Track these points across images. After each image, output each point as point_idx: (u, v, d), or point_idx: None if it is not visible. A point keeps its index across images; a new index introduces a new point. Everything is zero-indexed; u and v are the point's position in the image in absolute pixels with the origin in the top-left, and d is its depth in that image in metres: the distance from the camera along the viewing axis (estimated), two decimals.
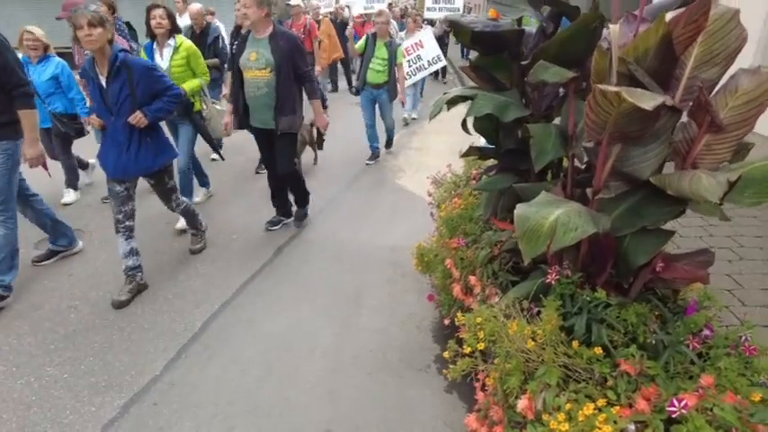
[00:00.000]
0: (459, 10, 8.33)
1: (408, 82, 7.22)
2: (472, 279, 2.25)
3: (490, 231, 2.42)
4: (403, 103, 6.06)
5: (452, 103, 2.18)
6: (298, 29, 7.38)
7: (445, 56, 11.29)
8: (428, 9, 8.82)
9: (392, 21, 9.38)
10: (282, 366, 2.65)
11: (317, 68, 7.59)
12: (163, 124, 3.67)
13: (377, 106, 5.99)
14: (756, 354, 1.59)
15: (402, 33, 8.16)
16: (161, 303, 3.20)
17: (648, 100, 1.26)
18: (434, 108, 2.18)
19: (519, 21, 2.26)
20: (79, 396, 2.43)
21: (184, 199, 3.70)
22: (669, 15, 1.51)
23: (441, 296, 2.71)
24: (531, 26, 2.30)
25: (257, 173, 5.59)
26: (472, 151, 2.53)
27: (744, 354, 1.59)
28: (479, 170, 3.12)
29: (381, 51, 5.67)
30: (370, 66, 5.68)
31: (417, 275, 3.25)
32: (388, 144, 6.55)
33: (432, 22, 10.28)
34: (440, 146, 6.66)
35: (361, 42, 5.86)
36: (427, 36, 7.47)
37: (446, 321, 2.53)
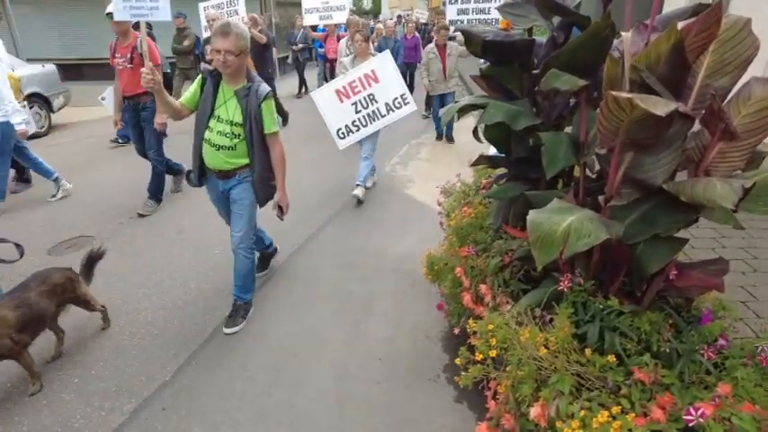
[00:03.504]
0: (495, 22, 5.82)
1: (355, 137, 4.90)
2: (483, 287, 2.24)
3: (501, 240, 2.42)
4: (281, 213, 3.07)
5: (463, 111, 2.20)
6: (123, 53, 4.53)
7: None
8: (451, 22, 6.24)
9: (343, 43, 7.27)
10: (290, 373, 2.64)
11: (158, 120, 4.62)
12: None
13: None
14: None
15: (346, 60, 5.20)
16: (171, 309, 3.22)
17: (662, 106, 1.27)
18: (446, 116, 2.20)
19: (529, 31, 2.28)
20: (89, 400, 2.44)
21: None
22: (680, 24, 1.52)
23: (450, 305, 2.70)
24: (542, 37, 2.32)
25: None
26: (482, 160, 2.54)
27: (760, 364, 1.56)
28: (489, 179, 3.13)
29: (229, 107, 2.74)
30: (206, 135, 2.80)
31: (426, 284, 3.24)
32: (238, 313, 3.07)
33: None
34: (448, 156, 6.69)
35: (190, 91, 2.85)
36: (384, 64, 4.79)
37: (456, 330, 2.52)
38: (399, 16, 20.42)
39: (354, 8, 46.15)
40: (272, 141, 2.86)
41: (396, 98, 4.90)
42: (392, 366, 2.69)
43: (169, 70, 5.55)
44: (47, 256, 3.95)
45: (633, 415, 1.35)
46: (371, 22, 10.77)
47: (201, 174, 2.98)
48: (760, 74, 1.65)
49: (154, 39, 6.83)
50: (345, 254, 4.00)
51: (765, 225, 3.79)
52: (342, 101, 4.87)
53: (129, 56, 4.57)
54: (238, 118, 2.75)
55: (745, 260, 3.35)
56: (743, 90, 1.60)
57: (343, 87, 4.86)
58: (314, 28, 9.81)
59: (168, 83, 5.53)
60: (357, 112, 4.88)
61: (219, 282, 3.56)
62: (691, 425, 1.26)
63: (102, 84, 9.96)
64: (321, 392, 2.51)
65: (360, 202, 4.97)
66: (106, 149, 7.06)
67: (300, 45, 10.67)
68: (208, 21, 6.88)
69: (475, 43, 2.13)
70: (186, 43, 8.72)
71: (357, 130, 4.94)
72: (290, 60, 11.31)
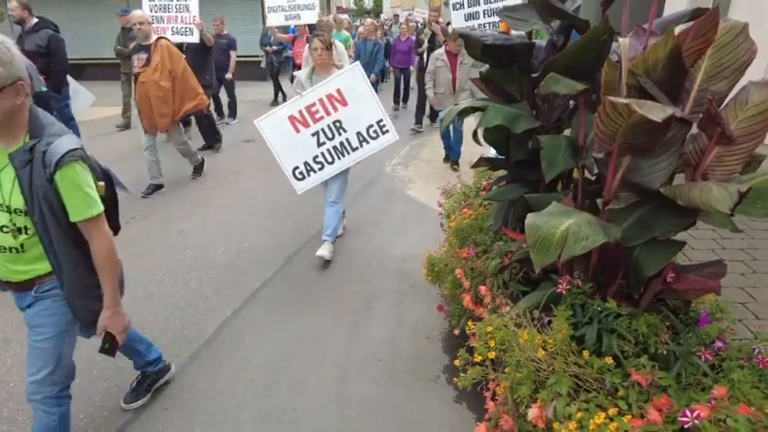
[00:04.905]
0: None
1: (318, 177, 3.81)
2: (482, 289, 2.26)
3: (500, 242, 2.44)
4: (113, 343, 1.91)
5: (463, 114, 2.21)
6: None
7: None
8: (454, 20, 5.16)
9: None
10: (291, 374, 2.66)
11: None
12: None
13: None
14: None
15: (302, 74, 3.89)
16: (173, 310, 3.24)
17: (658, 112, 1.28)
18: (445, 119, 2.22)
19: (529, 34, 2.30)
20: (92, 400, 2.46)
21: None
22: (678, 29, 1.54)
23: (450, 306, 2.72)
24: (542, 39, 2.33)
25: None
26: (482, 162, 2.56)
27: (757, 366, 1.57)
28: (489, 181, 3.14)
29: (4, 182, 1.65)
30: None
31: (426, 286, 3.26)
32: None
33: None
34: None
35: None
36: (354, 80, 3.67)
37: (456, 331, 2.53)
38: (396, 15, 19.72)
39: (356, 7, 45.98)
40: (88, 231, 1.74)
41: (371, 126, 3.72)
42: (392, 367, 2.71)
43: (45, 88, 4.05)
44: None
45: (630, 416, 1.36)
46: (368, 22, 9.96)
47: None
48: (757, 78, 1.66)
49: (59, 42, 5.28)
50: (345, 254, 4.02)
51: (765, 227, 3.80)
52: (298, 130, 3.69)
53: None
54: (19, 201, 1.65)
55: (745, 261, 3.36)
56: (740, 94, 1.61)
57: (299, 113, 3.65)
58: (286, 29, 8.47)
59: (43, 102, 4.01)
60: (320, 144, 3.71)
61: (221, 282, 3.58)
62: (686, 426, 1.28)
63: (104, 83, 9.99)
64: (321, 393, 2.53)
65: (327, 262, 3.80)
66: (108, 149, 6.97)
67: (274, 47, 9.33)
68: (133, 24, 5.01)
69: (474, 46, 2.14)
70: (132, 46, 7.77)
71: (321, 169, 3.77)
72: (263, 64, 9.97)
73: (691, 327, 1.76)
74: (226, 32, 7.90)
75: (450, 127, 5.89)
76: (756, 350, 1.62)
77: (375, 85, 7.58)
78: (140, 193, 5.19)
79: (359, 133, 3.73)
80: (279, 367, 2.71)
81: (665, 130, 1.49)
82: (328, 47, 3.73)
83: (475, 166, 2.60)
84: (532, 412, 1.50)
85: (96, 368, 2.69)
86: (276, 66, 9.68)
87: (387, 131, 3.78)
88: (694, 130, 1.68)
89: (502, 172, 2.71)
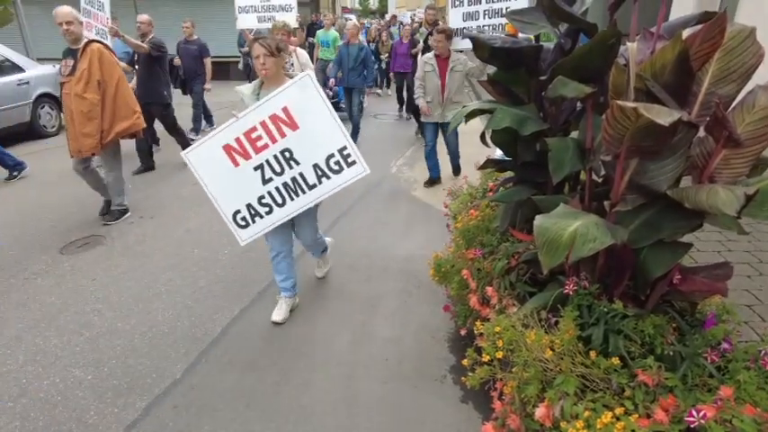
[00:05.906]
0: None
1: (266, 224, 2.93)
2: (489, 290, 2.28)
3: (507, 243, 2.45)
4: None
5: (471, 116, 2.23)
6: None
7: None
8: (457, 31, 4.81)
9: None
10: (298, 373, 2.69)
11: None
12: None
13: None
14: None
15: (246, 90, 2.90)
16: (181, 309, 3.27)
17: (665, 116, 1.30)
18: (454, 121, 2.24)
19: (537, 37, 2.31)
20: (103, 397, 2.50)
21: None
22: (686, 33, 1.55)
23: (456, 307, 2.74)
24: (549, 42, 2.35)
25: None
26: (489, 163, 2.58)
27: (763, 368, 1.59)
28: (496, 182, 3.16)
29: None
30: None
31: (432, 286, 3.28)
32: None
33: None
34: None
35: None
36: (305, 96, 2.69)
37: (462, 332, 2.56)
38: (394, 16, 18.72)
39: (361, 8, 45.96)
40: None
41: (331, 155, 2.80)
42: (398, 366, 2.73)
43: None
44: (59, 255, 4.02)
45: (636, 416, 1.38)
46: (374, 22, 9.10)
47: None
48: (765, 82, 1.67)
49: None
50: (351, 254, 4.04)
51: None
52: (237, 163, 2.79)
53: None
54: None
55: (751, 264, 3.35)
56: (747, 98, 1.62)
57: (237, 141, 2.75)
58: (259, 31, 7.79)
59: None
60: (266, 181, 2.83)
61: (228, 281, 3.61)
62: (693, 426, 1.30)
63: None
64: (328, 392, 2.55)
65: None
66: None
67: (245, 48, 8.56)
68: (59, 24, 4.07)
69: (483, 49, 2.16)
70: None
71: (268, 213, 2.89)
72: (240, 66, 9.38)
73: (697, 328, 1.78)
74: (195, 37, 7.32)
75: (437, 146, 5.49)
76: (763, 352, 1.63)
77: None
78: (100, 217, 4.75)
79: (316, 166, 2.81)
80: (286, 366, 2.74)
81: (673, 133, 1.50)
82: (274, 53, 2.73)
83: (482, 167, 2.62)
84: (540, 411, 1.52)
85: (107, 366, 2.73)
86: (251, 67, 8.90)
87: (353, 163, 2.82)
88: (701, 133, 1.69)
89: (509, 173, 2.73)
